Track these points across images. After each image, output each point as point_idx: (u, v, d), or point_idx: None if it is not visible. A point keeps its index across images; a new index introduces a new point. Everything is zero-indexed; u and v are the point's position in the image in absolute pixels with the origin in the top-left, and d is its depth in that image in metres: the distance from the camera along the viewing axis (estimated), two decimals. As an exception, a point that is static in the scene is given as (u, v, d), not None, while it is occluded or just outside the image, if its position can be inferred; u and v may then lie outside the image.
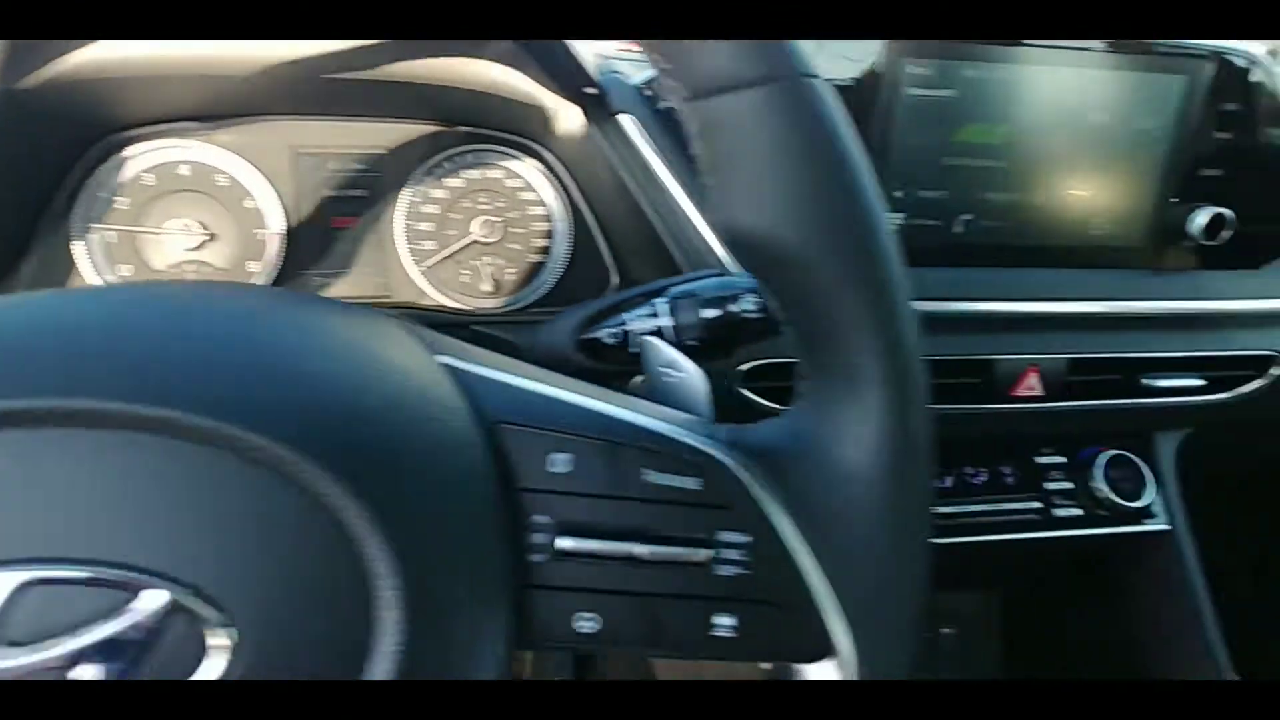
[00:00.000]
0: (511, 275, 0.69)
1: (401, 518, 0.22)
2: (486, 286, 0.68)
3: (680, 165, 0.59)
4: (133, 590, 0.20)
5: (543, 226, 0.69)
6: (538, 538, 0.25)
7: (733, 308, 0.39)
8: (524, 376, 0.28)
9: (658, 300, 0.39)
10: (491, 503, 0.25)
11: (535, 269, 0.69)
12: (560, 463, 0.26)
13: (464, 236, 0.67)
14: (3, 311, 0.22)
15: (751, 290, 0.38)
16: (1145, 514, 0.71)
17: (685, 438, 0.27)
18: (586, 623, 0.26)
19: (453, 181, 0.68)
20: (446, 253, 0.67)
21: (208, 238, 0.63)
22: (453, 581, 0.23)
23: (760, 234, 0.25)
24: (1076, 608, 0.83)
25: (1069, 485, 0.71)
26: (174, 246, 0.63)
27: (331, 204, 0.66)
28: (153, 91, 0.59)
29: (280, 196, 0.65)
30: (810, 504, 0.27)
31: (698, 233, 0.58)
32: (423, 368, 0.26)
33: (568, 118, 0.64)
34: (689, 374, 0.32)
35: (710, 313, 0.39)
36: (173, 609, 0.20)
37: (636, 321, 0.40)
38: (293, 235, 0.65)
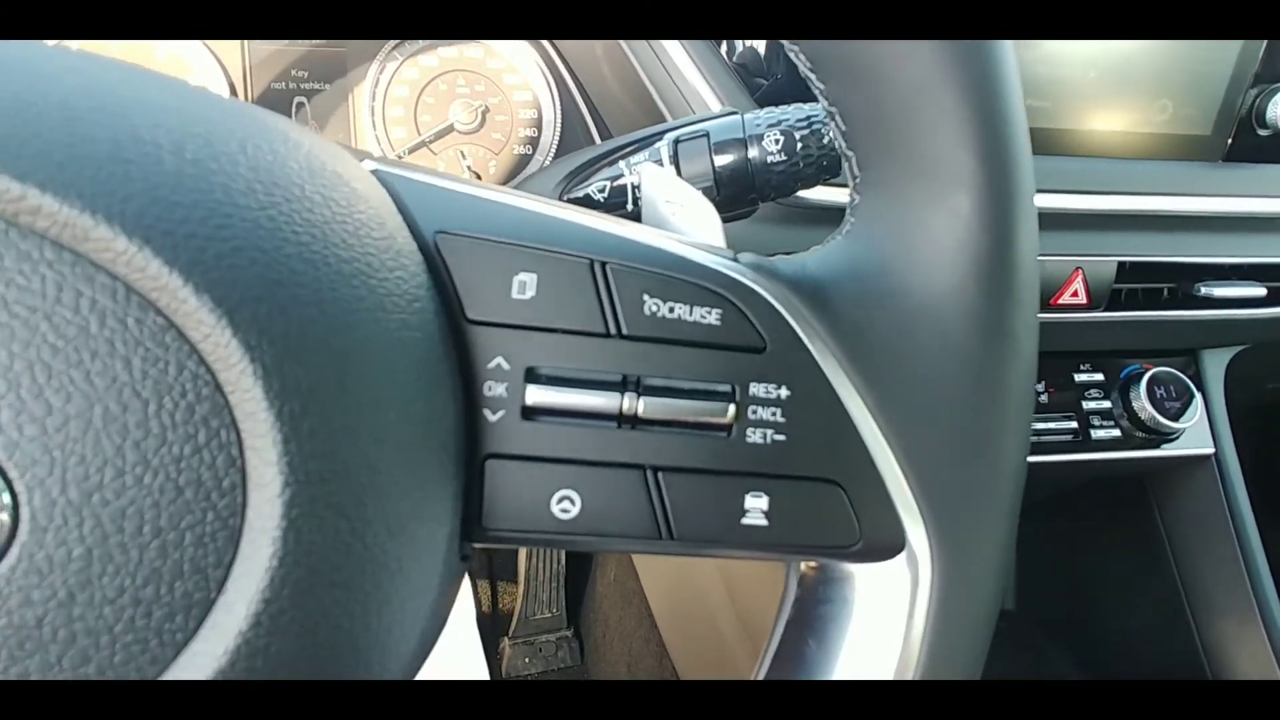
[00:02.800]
0: (494, 167, 0.61)
1: (293, 349, 0.15)
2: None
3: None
4: None
5: (529, 114, 0.62)
6: (496, 388, 0.19)
7: (752, 152, 0.31)
8: (476, 187, 0.21)
9: (659, 144, 0.32)
10: (432, 338, 0.18)
11: (520, 161, 0.62)
12: (526, 286, 0.19)
13: (440, 123, 0.60)
14: None
15: (774, 127, 0.31)
16: (1188, 436, 0.65)
17: (699, 258, 0.20)
18: (565, 506, 0.19)
19: (426, 60, 0.60)
20: (419, 140, 0.60)
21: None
22: (372, 445, 0.16)
23: None
24: (1106, 536, 0.78)
25: (1107, 405, 0.65)
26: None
27: (285, 81, 0.58)
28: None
29: (226, 71, 0.57)
30: (873, 348, 0.19)
31: (708, 109, 0.51)
32: (334, 163, 0.19)
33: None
34: (698, 207, 0.25)
35: (725, 158, 0.31)
36: None
37: (633, 173, 0.32)
38: (242, 117, 0.57)
